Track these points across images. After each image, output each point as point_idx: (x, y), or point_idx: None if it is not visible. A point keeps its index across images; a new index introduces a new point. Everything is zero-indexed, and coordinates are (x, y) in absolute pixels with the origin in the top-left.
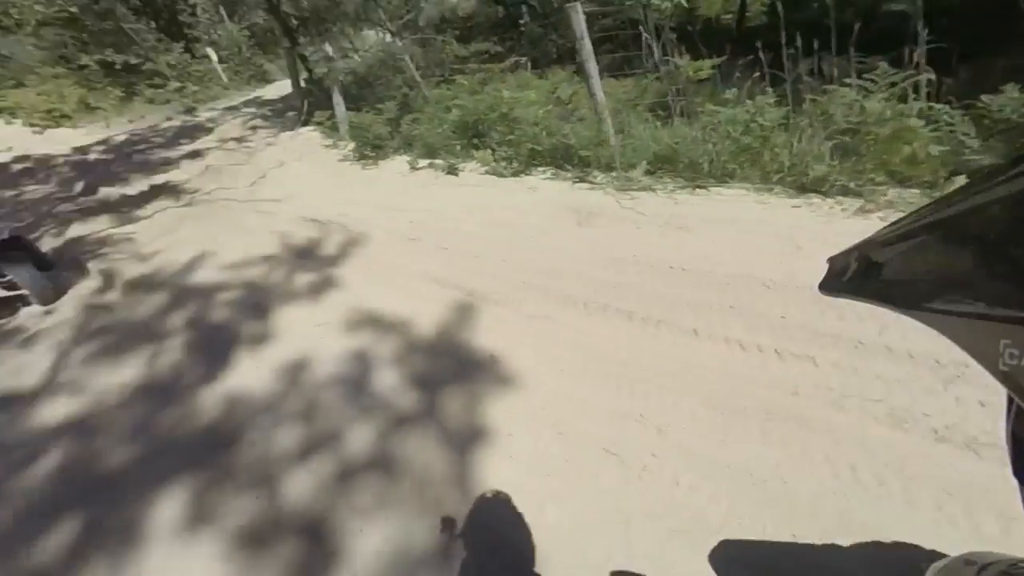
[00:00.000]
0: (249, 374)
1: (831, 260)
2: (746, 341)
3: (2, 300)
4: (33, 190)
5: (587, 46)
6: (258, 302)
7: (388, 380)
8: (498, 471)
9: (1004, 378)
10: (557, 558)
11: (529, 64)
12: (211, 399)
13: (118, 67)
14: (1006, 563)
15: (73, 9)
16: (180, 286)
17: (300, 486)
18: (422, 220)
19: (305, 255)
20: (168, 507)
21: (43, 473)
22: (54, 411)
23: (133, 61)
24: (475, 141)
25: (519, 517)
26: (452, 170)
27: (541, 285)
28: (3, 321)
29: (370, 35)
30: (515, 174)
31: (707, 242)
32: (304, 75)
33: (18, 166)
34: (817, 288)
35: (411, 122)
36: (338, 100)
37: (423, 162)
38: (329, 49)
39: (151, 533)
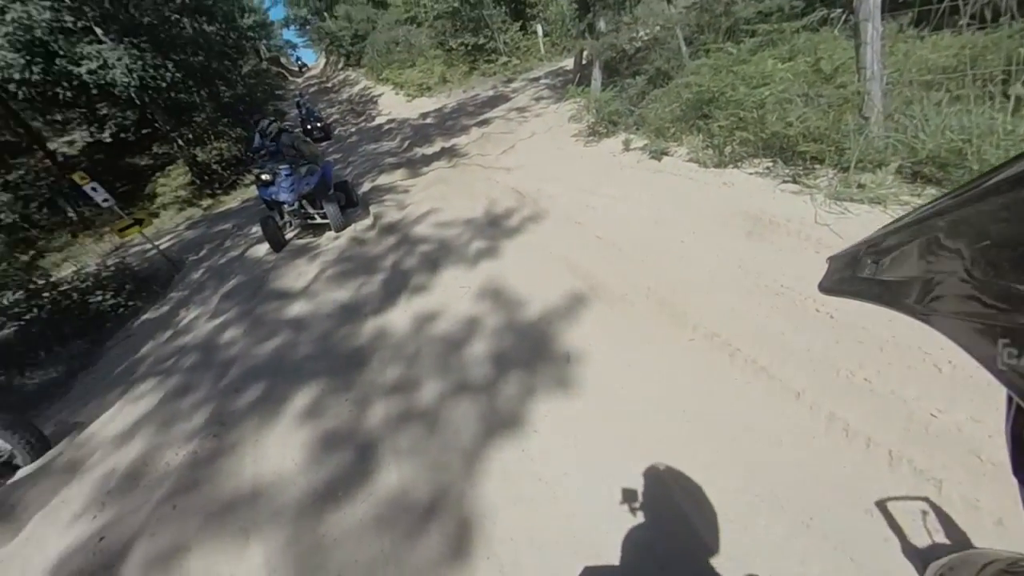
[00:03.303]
0: (399, 315)
1: (831, 260)
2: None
3: (319, 225)
4: (381, 145)
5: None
6: (438, 258)
7: (476, 349)
8: (506, 458)
9: (1003, 377)
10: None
11: (843, 18)
12: (370, 326)
13: (471, 47)
14: (1006, 561)
15: (456, 4)
16: (405, 234)
17: (376, 415)
18: (597, 205)
19: (493, 223)
20: (301, 398)
21: (266, 351)
22: (296, 308)
23: (481, 41)
24: (699, 123)
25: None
26: (657, 154)
27: (662, 297)
28: (314, 239)
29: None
30: (718, 165)
31: None
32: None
33: (385, 127)
34: (817, 288)
35: (653, 100)
36: (596, 75)
37: (639, 143)
38: (602, 24)
39: (284, 412)
